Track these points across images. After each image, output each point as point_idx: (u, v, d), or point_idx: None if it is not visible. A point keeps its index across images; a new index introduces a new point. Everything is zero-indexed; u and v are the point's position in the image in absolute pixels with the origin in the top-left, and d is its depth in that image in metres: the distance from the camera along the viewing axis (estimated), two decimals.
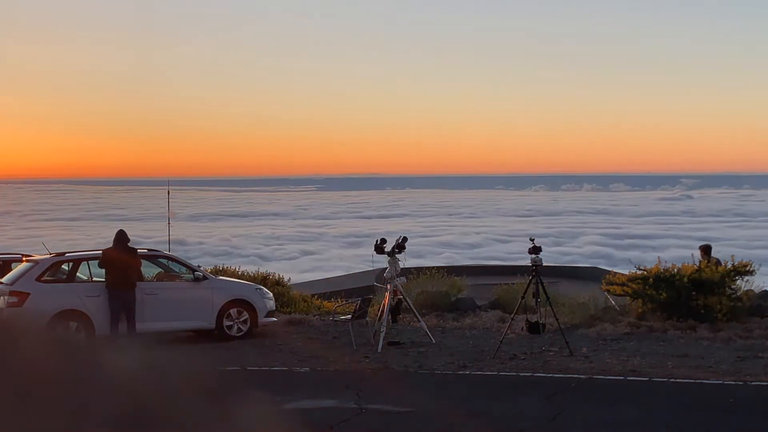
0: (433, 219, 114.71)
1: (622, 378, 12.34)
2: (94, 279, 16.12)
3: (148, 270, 16.75)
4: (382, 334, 15.21)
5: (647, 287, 16.97)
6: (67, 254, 16.61)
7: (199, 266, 17.83)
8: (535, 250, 14.68)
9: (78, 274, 16.17)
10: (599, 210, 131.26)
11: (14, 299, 15.21)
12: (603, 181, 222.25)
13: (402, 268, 16.06)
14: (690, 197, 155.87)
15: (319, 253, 77.50)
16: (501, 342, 14.40)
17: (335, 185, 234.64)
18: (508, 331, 14.88)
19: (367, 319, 16.53)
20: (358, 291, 25.65)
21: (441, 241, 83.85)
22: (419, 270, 22.38)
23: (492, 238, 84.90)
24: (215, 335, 16.43)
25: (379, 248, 15.67)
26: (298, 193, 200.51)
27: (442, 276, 21.23)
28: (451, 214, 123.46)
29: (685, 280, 16.68)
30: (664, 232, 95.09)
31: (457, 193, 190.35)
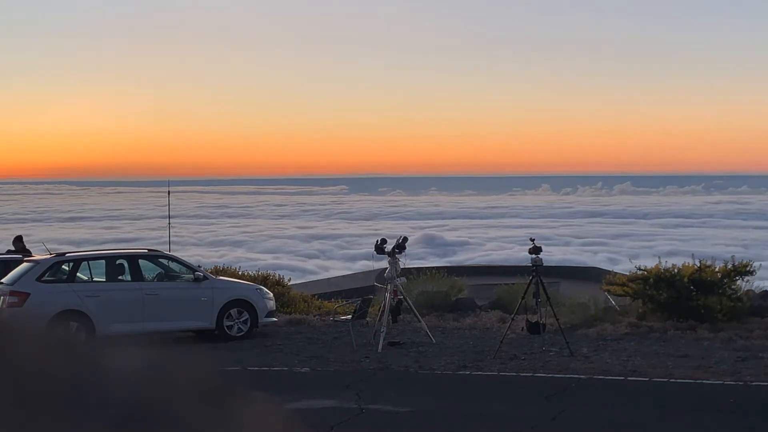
0: (438, 222, 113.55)
1: (622, 378, 12.35)
2: (95, 279, 16.14)
3: (149, 270, 16.77)
4: (383, 334, 15.22)
5: (647, 287, 16.97)
6: (67, 254, 16.63)
7: (199, 266, 17.84)
8: (536, 250, 14.68)
9: (78, 274, 16.18)
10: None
11: (14, 299, 15.22)
12: (608, 182, 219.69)
13: (402, 269, 16.07)
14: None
15: (322, 254, 77.52)
16: (501, 342, 14.39)
17: (360, 187, 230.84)
18: (509, 332, 14.87)
19: (368, 319, 16.55)
20: (359, 291, 25.67)
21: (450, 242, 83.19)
22: (419, 270, 22.41)
23: (515, 241, 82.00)
24: (216, 335, 16.45)
25: (380, 248, 15.70)
26: (323, 196, 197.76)
27: (443, 276, 21.24)
28: (464, 217, 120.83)
29: (685, 280, 16.68)
30: None
31: (455, 196, 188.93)
